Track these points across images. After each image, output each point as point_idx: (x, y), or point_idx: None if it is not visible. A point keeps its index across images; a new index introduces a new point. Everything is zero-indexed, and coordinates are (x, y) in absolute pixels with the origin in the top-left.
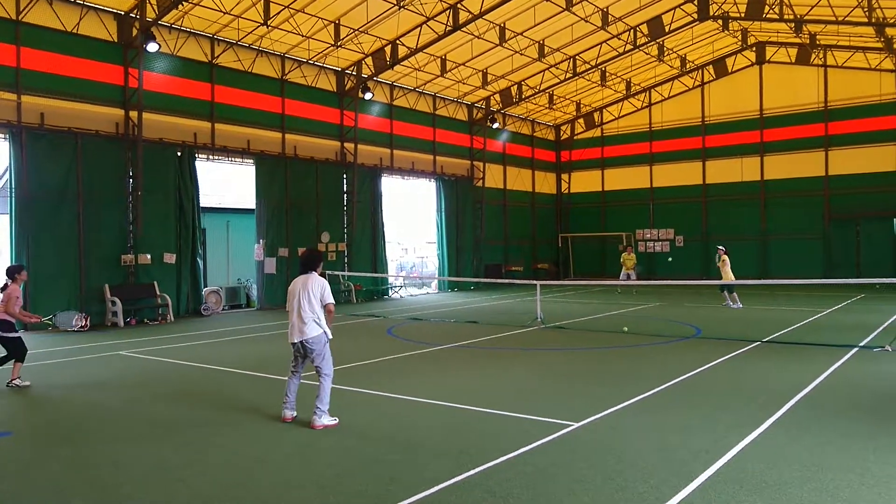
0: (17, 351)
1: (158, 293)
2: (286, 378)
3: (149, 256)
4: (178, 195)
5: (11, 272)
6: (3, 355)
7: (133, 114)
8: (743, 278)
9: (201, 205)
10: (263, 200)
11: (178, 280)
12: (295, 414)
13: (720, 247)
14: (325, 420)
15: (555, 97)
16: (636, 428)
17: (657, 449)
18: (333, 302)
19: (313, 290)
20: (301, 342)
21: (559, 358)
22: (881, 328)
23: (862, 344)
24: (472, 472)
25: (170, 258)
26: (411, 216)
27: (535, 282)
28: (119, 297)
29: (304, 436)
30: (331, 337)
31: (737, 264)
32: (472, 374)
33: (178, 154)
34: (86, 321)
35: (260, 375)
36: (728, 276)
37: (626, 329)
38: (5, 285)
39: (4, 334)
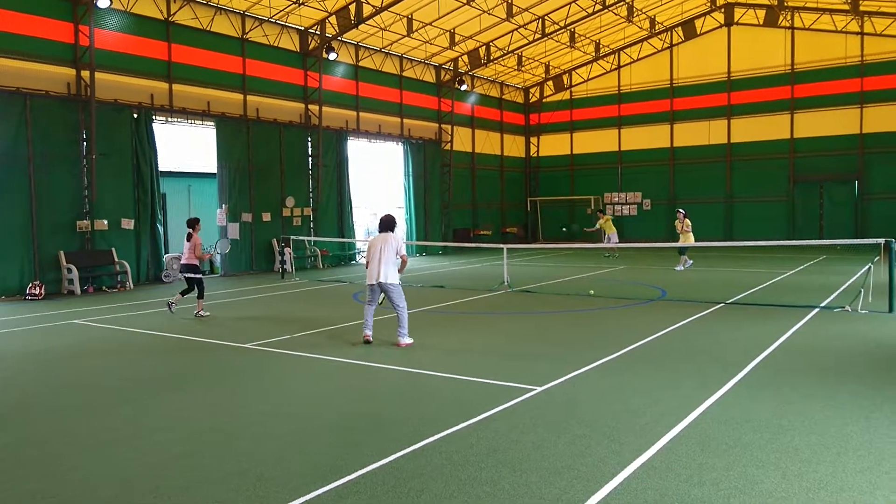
0: (201, 289)
1: (117, 260)
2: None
3: (105, 222)
4: (135, 159)
5: (192, 223)
6: (185, 288)
7: (85, 73)
8: (708, 240)
9: (160, 169)
10: (225, 164)
11: (138, 246)
12: (371, 333)
13: (680, 210)
14: (406, 339)
15: (524, 59)
16: (600, 391)
17: (621, 412)
18: (406, 255)
19: (394, 245)
20: (380, 283)
21: (524, 322)
22: (841, 289)
23: (823, 304)
24: (432, 438)
25: (128, 224)
26: (379, 180)
27: (502, 246)
28: (75, 263)
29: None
30: (399, 282)
31: (703, 227)
32: (435, 339)
33: (135, 116)
34: (40, 289)
35: (224, 344)
36: (688, 239)
37: (592, 292)
38: (189, 235)
39: (195, 275)
